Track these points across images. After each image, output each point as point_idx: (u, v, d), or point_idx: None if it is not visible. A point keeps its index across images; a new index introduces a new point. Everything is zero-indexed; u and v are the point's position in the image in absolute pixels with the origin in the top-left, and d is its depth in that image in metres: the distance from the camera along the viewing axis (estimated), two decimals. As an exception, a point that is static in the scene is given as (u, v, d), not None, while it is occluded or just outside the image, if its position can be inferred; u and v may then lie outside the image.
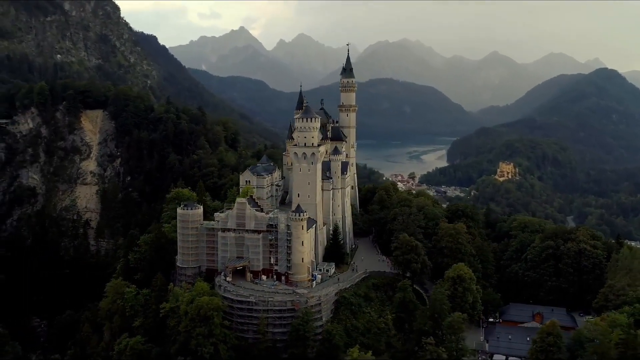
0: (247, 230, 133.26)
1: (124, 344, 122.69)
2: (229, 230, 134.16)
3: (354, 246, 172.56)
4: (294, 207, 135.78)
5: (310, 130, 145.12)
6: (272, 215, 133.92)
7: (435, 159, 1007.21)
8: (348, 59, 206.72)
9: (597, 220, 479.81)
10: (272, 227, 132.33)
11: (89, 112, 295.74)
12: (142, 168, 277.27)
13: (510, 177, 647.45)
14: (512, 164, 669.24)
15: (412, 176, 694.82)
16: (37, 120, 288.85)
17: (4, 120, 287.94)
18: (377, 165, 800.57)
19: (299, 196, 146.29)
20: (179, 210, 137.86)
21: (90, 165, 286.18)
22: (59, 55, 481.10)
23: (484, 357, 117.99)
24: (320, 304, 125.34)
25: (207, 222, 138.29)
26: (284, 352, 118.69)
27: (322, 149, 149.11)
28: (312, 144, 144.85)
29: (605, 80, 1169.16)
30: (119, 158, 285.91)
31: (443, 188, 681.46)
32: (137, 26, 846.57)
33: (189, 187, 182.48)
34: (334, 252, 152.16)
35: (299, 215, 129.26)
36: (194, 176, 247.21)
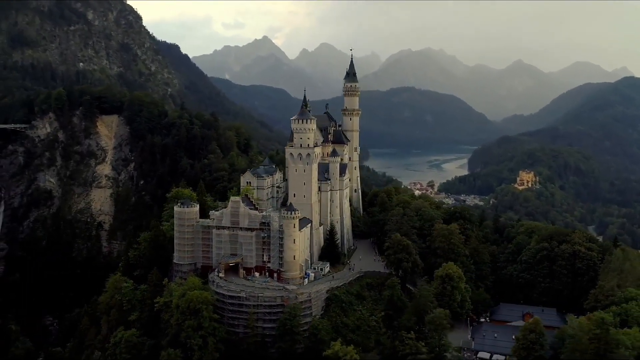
0: (240, 228, 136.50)
1: (119, 336, 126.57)
2: (223, 227, 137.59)
3: (353, 247, 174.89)
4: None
5: (305, 132, 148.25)
6: (265, 214, 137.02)
7: (456, 168, 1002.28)
8: (352, 64, 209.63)
9: (619, 229, 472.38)
10: (265, 225, 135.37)
11: (105, 117, 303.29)
12: (154, 172, 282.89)
13: (530, 185, 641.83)
14: (532, 172, 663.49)
15: (430, 184, 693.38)
16: (55, 125, 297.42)
17: (23, 125, 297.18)
18: (397, 173, 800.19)
19: (294, 196, 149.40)
20: (175, 208, 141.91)
21: (105, 169, 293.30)
22: (81, 63, 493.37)
23: (469, 354, 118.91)
24: (310, 300, 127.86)
25: (203, 220, 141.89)
26: (272, 347, 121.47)
27: (317, 150, 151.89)
28: (308, 144, 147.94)
29: (632, 89, 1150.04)
30: (132, 162, 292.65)
31: (462, 197, 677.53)
32: (163, 36, 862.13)
33: (191, 188, 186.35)
34: (330, 252, 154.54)
35: (291, 214, 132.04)
36: (205, 180, 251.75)
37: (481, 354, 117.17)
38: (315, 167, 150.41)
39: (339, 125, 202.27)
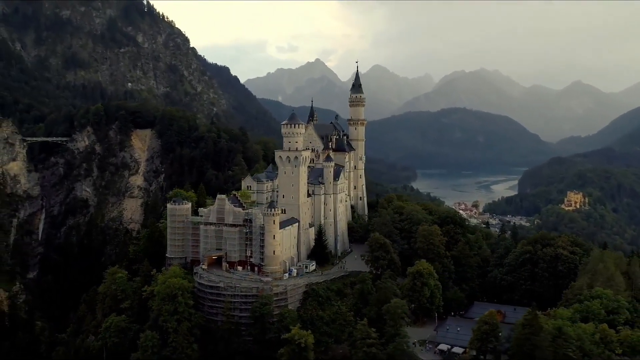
0: (225, 224, 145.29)
1: (110, 322, 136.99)
2: (210, 224, 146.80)
3: (349, 250, 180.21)
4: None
5: (294, 136, 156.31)
6: (248, 211, 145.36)
7: (504, 189, 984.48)
8: (357, 76, 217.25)
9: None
10: (248, 222, 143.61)
11: (139, 131, 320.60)
12: (182, 183, 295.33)
13: (578, 206, 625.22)
14: (580, 193, 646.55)
15: (475, 205, 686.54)
16: (92, 138, 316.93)
17: (64, 139, 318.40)
18: (443, 194, 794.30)
19: (283, 197, 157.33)
20: (168, 206, 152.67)
21: (137, 180, 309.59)
22: (130, 84, 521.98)
23: (430, 346, 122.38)
24: (286, 292, 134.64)
25: (193, 217, 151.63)
26: (247, 334, 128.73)
27: (305, 153, 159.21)
28: (296, 148, 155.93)
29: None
30: (162, 174, 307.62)
31: (508, 217, 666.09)
32: (217, 59, 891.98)
33: (193, 190, 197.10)
34: (319, 252, 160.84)
35: (271, 211, 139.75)
36: (228, 190, 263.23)
37: (441, 346, 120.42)
38: (303, 169, 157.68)
39: (345, 135, 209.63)
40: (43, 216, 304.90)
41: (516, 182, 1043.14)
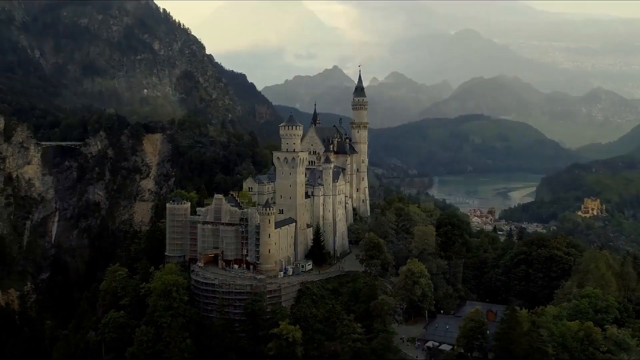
0: (222, 223, 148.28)
1: (109, 318, 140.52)
2: (207, 222, 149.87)
3: (348, 251, 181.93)
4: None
5: (292, 137, 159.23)
6: (244, 210, 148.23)
7: (522, 196, 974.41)
8: (360, 79, 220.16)
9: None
10: (244, 221, 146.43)
11: (150, 135, 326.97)
12: (192, 186, 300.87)
13: (595, 213, 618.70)
14: (598, 200, 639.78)
15: (491, 211, 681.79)
16: (105, 143, 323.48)
17: (78, 143, 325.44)
18: (460, 200, 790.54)
19: (281, 197, 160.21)
20: (168, 205, 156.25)
21: (149, 183, 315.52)
22: (145, 90, 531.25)
23: (419, 343, 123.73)
24: (280, 290, 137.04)
25: (192, 216, 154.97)
26: (241, 331, 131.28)
27: (302, 154, 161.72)
28: (294, 149, 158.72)
29: None
30: (173, 177, 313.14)
31: (524, 224, 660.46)
32: (233, 66, 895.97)
33: (195, 191, 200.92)
34: (316, 252, 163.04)
35: (266, 210, 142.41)
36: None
37: (429, 343, 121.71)
38: (300, 170, 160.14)
39: (347, 138, 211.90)
40: (56, 219, 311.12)
41: (534, 189, 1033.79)
